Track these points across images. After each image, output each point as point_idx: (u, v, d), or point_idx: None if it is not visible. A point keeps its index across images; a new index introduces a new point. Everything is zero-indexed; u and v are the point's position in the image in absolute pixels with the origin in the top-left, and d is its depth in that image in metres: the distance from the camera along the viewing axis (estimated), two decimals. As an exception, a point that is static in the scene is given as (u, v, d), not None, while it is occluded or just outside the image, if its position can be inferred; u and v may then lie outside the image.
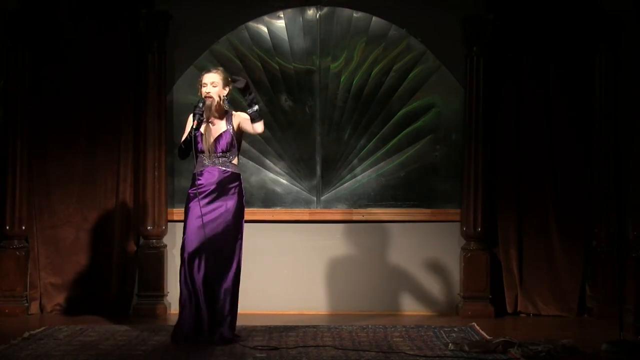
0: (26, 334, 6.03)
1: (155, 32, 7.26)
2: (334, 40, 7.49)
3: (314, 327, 6.50)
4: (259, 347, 5.67)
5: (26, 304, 7.20)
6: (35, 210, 7.32)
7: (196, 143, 5.82)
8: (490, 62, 7.29)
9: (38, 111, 7.31)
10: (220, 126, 5.92)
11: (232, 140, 5.90)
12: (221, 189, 5.86)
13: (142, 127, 7.31)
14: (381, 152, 7.49)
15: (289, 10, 7.50)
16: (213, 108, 5.90)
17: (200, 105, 5.83)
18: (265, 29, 7.50)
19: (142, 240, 7.35)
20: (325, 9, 7.50)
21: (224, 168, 5.88)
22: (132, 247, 7.34)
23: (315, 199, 7.52)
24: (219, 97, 5.90)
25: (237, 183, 5.92)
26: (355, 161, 7.50)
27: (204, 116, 5.84)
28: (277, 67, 7.48)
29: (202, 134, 5.85)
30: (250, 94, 5.82)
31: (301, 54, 7.50)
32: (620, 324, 5.85)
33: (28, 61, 7.25)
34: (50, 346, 5.73)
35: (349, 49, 7.48)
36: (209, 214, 5.82)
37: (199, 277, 5.81)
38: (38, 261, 7.31)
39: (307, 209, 7.48)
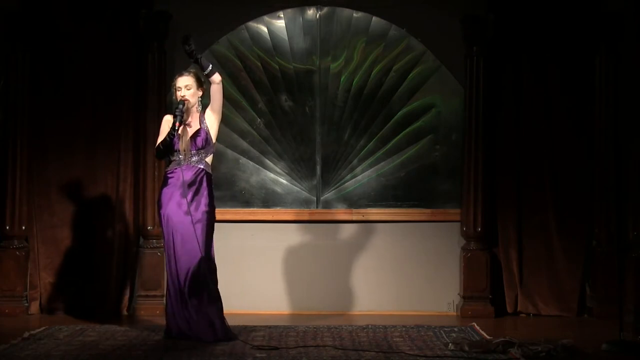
0: (26, 334, 6.03)
1: (155, 32, 7.27)
2: (334, 40, 7.49)
3: (314, 327, 6.49)
4: (259, 347, 5.66)
5: (26, 304, 7.20)
6: (35, 210, 7.32)
7: (173, 144, 5.91)
8: (490, 62, 7.29)
9: (38, 111, 7.31)
10: (195, 125, 5.99)
11: (207, 137, 5.97)
12: (194, 189, 5.90)
13: (142, 127, 7.31)
14: (381, 152, 7.49)
15: (289, 10, 7.51)
16: (189, 110, 5.98)
17: (181, 106, 5.90)
18: (265, 29, 7.50)
19: (142, 240, 7.35)
20: (325, 9, 7.50)
21: (199, 166, 5.94)
22: (132, 247, 7.34)
23: (315, 199, 7.52)
24: (195, 98, 5.99)
25: (208, 182, 5.97)
26: (355, 161, 7.50)
27: (184, 117, 5.92)
28: (277, 67, 7.48)
29: (179, 136, 5.92)
30: (190, 45, 5.78)
31: (301, 54, 7.50)
32: (620, 324, 5.85)
33: (28, 61, 7.25)
34: (50, 346, 5.73)
35: (349, 49, 7.48)
36: (184, 214, 5.85)
37: (176, 272, 5.87)
38: (38, 261, 7.31)
39: (307, 209, 7.48)
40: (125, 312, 7.27)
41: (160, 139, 6.00)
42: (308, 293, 7.42)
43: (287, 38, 7.49)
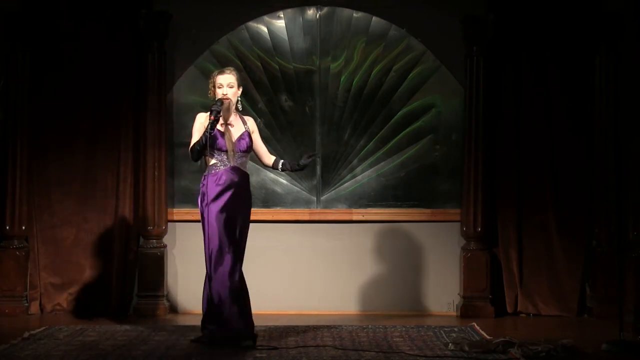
0: (26, 334, 6.03)
1: (155, 32, 7.26)
2: (334, 40, 7.49)
3: (314, 327, 6.49)
4: (259, 347, 5.66)
5: (26, 304, 7.20)
6: (35, 210, 7.32)
7: (218, 144, 5.77)
8: (490, 62, 7.29)
9: (38, 111, 7.31)
10: (238, 127, 5.90)
11: (250, 141, 5.91)
12: (239, 189, 5.82)
13: (142, 127, 7.30)
14: (381, 152, 7.49)
15: (289, 10, 7.51)
16: (231, 109, 5.87)
17: (219, 104, 5.77)
18: (265, 29, 7.50)
19: (142, 240, 7.35)
20: (325, 9, 7.50)
21: (242, 169, 5.87)
22: (132, 247, 7.34)
23: (315, 199, 7.52)
24: (235, 97, 5.89)
25: (248, 184, 5.94)
26: (355, 161, 7.50)
27: (221, 117, 5.78)
28: (277, 67, 7.48)
29: (223, 134, 5.79)
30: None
31: (301, 54, 7.50)
32: (620, 324, 5.85)
33: (28, 61, 7.25)
34: (50, 346, 5.73)
35: (349, 49, 7.48)
36: (229, 211, 5.76)
37: (223, 274, 5.73)
38: (38, 261, 7.31)
39: (307, 209, 7.48)
40: (125, 312, 7.26)
41: (194, 140, 5.83)
42: (308, 293, 7.42)
43: (287, 38, 7.49)
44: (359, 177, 7.49)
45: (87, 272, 7.31)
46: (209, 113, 5.74)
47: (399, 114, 7.49)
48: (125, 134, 7.32)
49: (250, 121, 6.03)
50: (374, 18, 7.47)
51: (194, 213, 7.40)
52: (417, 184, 7.48)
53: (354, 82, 7.49)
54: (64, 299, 7.29)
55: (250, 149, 5.92)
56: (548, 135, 7.32)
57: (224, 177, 5.79)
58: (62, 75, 7.32)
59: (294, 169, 6.10)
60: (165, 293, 7.32)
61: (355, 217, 7.46)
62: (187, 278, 7.40)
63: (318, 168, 7.48)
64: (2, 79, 7.25)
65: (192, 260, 7.39)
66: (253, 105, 7.45)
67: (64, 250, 7.31)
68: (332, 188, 7.50)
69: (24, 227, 7.23)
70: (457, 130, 7.45)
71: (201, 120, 5.87)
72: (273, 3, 7.49)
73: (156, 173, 7.26)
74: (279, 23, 7.50)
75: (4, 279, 7.16)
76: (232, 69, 5.99)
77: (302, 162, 6.01)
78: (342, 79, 7.49)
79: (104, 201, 7.33)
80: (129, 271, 7.32)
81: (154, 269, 7.27)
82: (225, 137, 5.81)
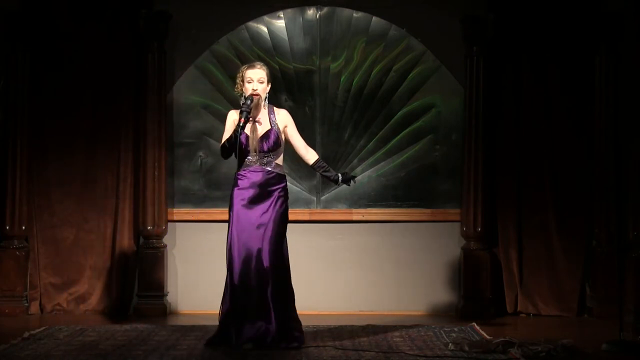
0: (26, 334, 6.03)
1: (155, 32, 7.26)
2: (334, 40, 7.49)
3: (314, 327, 6.49)
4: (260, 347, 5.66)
5: (26, 304, 7.20)
6: (35, 210, 7.32)
7: (240, 142, 5.64)
8: (490, 62, 7.29)
9: (38, 111, 7.31)
10: (265, 124, 5.75)
11: (278, 138, 5.74)
12: (265, 191, 5.69)
13: (142, 127, 7.30)
14: (381, 152, 7.49)
15: (289, 10, 7.50)
16: (259, 106, 5.75)
17: (249, 102, 5.64)
18: (265, 29, 7.50)
19: (142, 240, 7.35)
20: (325, 9, 7.50)
21: (269, 168, 5.72)
22: (132, 247, 7.34)
23: (315, 199, 7.52)
24: (265, 93, 5.76)
25: (282, 185, 5.76)
26: (355, 161, 7.50)
27: (251, 114, 5.66)
28: (277, 67, 7.48)
29: (246, 134, 5.66)
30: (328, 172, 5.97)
31: (301, 54, 7.50)
32: (620, 324, 5.85)
33: (28, 61, 7.25)
34: (50, 346, 5.73)
35: (349, 49, 7.48)
36: (254, 217, 5.65)
37: (248, 284, 5.62)
38: (38, 261, 7.31)
39: (307, 209, 7.48)
40: (125, 312, 7.26)
41: (225, 137, 5.73)
42: (308, 293, 7.41)
43: (287, 38, 7.49)
44: (359, 177, 7.48)
45: (87, 272, 7.31)
46: (239, 112, 5.62)
47: (399, 114, 7.49)
48: (125, 134, 7.32)
49: (282, 114, 5.82)
50: (374, 18, 7.47)
51: (194, 213, 7.44)
52: (417, 184, 7.48)
53: (354, 82, 7.49)
54: (64, 299, 7.29)
55: (276, 146, 5.72)
56: (548, 135, 7.32)
57: (247, 178, 5.70)
58: (62, 75, 7.32)
59: (329, 178, 5.91)
60: (165, 293, 7.32)
61: (355, 217, 7.46)
62: (187, 278, 7.41)
63: (318, 168, 7.47)
64: (2, 79, 7.25)
65: (192, 260, 7.40)
66: (253, 105, 7.45)
67: (64, 250, 7.31)
68: (332, 188, 7.49)
69: (24, 227, 7.23)
70: (457, 130, 7.45)
71: (233, 117, 5.74)
72: (273, 3, 7.49)
73: (156, 173, 7.26)
74: (279, 23, 7.50)
75: (4, 279, 7.16)
76: (262, 63, 5.85)
77: (342, 179, 5.84)
78: (342, 79, 7.49)
79: (104, 201, 7.33)
80: (129, 271, 7.32)
81: (154, 269, 7.27)
82: (250, 136, 5.68)
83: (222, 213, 7.37)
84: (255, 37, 7.49)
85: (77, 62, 7.31)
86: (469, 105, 7.29)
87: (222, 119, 7.50)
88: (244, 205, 5.68)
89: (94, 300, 7.28)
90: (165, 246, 7.35)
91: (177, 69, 7.46)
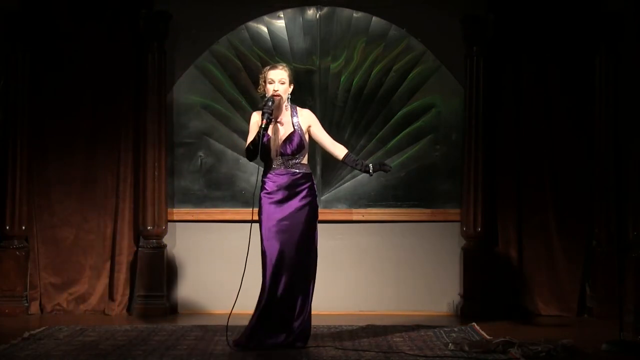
0: (26, 334, 6.03)
1: (155, 32, 7.26)
2: (334, 40, 7.49)
3: (314, 327, 6.48)
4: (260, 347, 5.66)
5: (26, 304, 7.20)
6: (35, 210, 7.32)
7: (263, 145, 5.60)
8: (490, 62, 7.29)
9: (38, 111, 7.31)
10: (287, 126, 5.71)
11: (301, 140, 5.70)
12: (292, 193, 5.67)
13: (142, 127, 7.30)
14: (381, 152, 7.49)
15: (289, 10, 7.50)
16: (281, 107, 5.72)
17: (270, 104, 5.60)
18: (265, 29, 7.50)
19: (142, 240, 7.35)
20: (325, 9, 7.50)
21: (294, 170, 5.69)
22: (132, 247, 7.34)
23: (315, 199, 7.51)
24: (286, 94, 5.72)
25: (309, 184, 5.73)
26: (355, 161, 7.49)
27: (273, 115, 5.62)
28: (277, 67, 7.48)
29: (269, 135, 5.62)
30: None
31: (301, 54, 7.50)
32: (620, 324, 5.85)
33: (28, 61, 7.25)
34: (50, 346, 5.73)
35: (349, 49, 7.48)
36: (282, 220, 5.63)
37: (281, 285, 5.62)
38: (38, 261, 7.31)
39: (307, 209, 7.47)
40: (125, 312, 7.27)
41: (250, 139, 5.71)
42: (308, 293, 7.41)
43: (287, 38, 7.49)
44: (359, 177, 7.48)
45: (87, 272, 7.31)
46: (260, 113, 5.60)
47: (399, 114, 7.49)
48: (125, 134, 7.32)
49: (305, 114, 5.79)
50: (374, 18, 7.47)
51: (194, 213, 7.44)
52: (417, 184, 7.48)
53: (354, 82, 7.49)
54: (64, 299, 7.29)
55: (300, 149, 5.68)
56: (548, 135, 7.32)
57: (271, 181, 5.69)
58: (62, 75, 7.32)
59: (361, 170, 5.82)
60: (165, 293, 7.31)
61: (355, 217, 7.46)
62: (187, 278, 7.40)
63: (318, 168, 7.47)
64: (2, 79, 7.25)
65: (192, 260, 7.40)
66: (253, 105, 7.45)
67: (64, 250, 7.31)
68: (332, 188, 7.50)
69: (24, 227, 7.23)
70: (457, 130, 7.45)
71: (256, 119, 5.71)
72: (273, 3, 7.49)
73: (156, 173, 7.26)
74: (279, 23, 7.50)
75: (4, 279, 7.16)
76: (284, 64, 5.83)
77: (374, 169, 5.77)
78: (342, 79, 7.49)
79: (104, 201, 7.33)
80: (129, 271, 7.32)
81: (154, 269, 7.26)
82: (272, 138, 5.64)
83: (222, 213, 7.41)
84: (255, 37, 7.49)
85: (77, 62, 7.32)
86: (469, 105, 7.29)
87: (222, 119, 7.54)
88: (273, 208, 5.65)
89: (94, 300, 7.29)
90: (165, 246, 7.35)
91: (177, 69, 7.46)
